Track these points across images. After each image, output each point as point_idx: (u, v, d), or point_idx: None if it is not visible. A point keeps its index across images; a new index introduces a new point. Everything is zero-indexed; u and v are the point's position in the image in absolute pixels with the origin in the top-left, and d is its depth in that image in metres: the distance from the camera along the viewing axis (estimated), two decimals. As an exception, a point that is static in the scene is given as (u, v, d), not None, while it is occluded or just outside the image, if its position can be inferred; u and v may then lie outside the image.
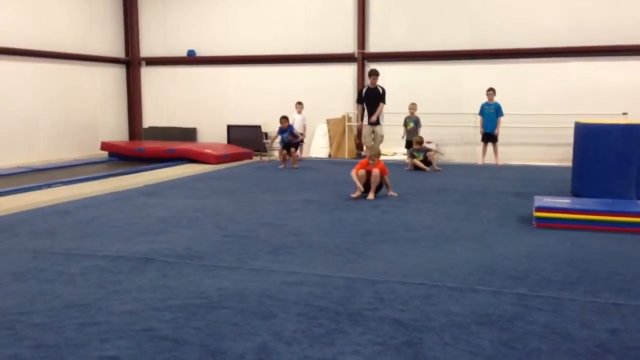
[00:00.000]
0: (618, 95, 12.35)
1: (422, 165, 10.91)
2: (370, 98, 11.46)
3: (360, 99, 11.76)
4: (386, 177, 7.98)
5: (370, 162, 7.80)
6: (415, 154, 11.10)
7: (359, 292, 4.00)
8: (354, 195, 7.77)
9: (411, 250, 5.18)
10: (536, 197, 6.64)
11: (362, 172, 7.81)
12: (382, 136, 11.58)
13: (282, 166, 11.37)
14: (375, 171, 7.76)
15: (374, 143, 11.29)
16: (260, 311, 3.63)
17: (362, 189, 7.76)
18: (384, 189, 8.06)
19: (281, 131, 11.55)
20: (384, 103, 11.44)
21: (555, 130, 12.50)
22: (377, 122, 11.46)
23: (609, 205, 6.35)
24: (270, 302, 3.81)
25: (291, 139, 11.52)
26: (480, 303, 3.80)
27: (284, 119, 11.63)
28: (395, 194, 7.96)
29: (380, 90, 11.43)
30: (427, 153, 11.08)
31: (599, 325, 3.44)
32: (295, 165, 11.28)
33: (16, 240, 5.58)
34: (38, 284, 4.24)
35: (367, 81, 11.88)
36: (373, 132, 11.51)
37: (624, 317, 3.57)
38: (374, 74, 11.46)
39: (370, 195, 7.77)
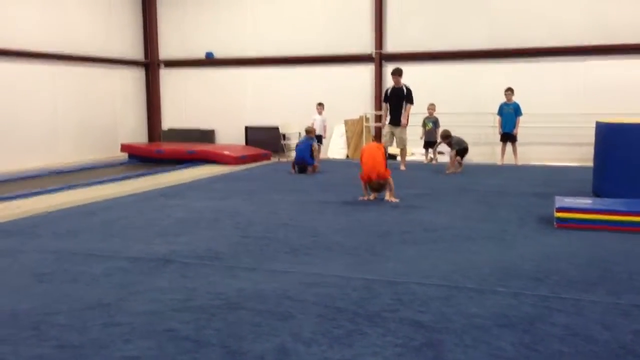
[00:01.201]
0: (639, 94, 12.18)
1: (458, 159, 10.42)
2: (393, 98, 10.97)
3: (385, 98, 11.18)
4: (390, 180, 7.70)
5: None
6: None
7: (378, 293, 3.99)
8: (370, 198, 7.74)
9: (430, 251, 5.16)
10: (557, 198, 6.57)
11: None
12: (403, 139, 11.02)
13: (292, 171, 10.80)
14: (386, 177, 7.61)
15: (395, 144, 11.07)
16: (279, 312, 3.65)
17: (370, 194, 7.72)
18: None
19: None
20: (411, 104, 10.88)
21: (575, 129, 12.37)
22: (399, 122, 10.94)
23: (631, 205, 6.26)
24: (289, 303, 3.82)
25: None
26: (501, 304, 3.77)
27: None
28: (396, 200, 7.64)
29: (405, 90, 10.88)
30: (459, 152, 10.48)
31: (622, 327, 3.40)
32: (317, 170, 10.77)
33: (39, 242, 5.67)
34: (61, 284, 4.30)
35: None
36: (393, 133, 11.02)
37: (647, 319, 3.53)
38: (396, 73, 10.95)
39: (387, 196, 7.71)
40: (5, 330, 3.41)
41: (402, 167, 10.99)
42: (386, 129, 11.18)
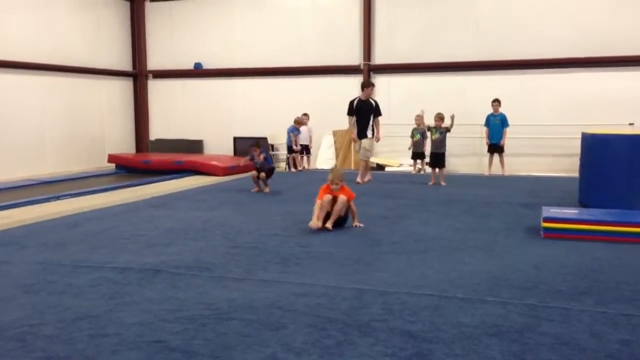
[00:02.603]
0: (624, 105, 12.33)
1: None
2: (362, 111, 10.58)
3: (350, 111, 10.72)
4: (352, 203, 6.73)
5: (333, 186, 6.62)
6: (432, 130, 10.48)
7: (368, 303, 4.00)
8: (311, 225, 6.45)
9: (419, 261, 5.17)
10: (544, 208, 6.63)
11: (327, 197, 6.56)
12: (364, 148, 10.60)
13: (254, 189, 9.72)
14: (342, 198, 6.55)
15: (360, 153, 10.78)
16: (269, 322, 3.64)
17: (319, 224, 6.45)
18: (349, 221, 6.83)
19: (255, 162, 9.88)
20: (380, 115, 10.70)
21: (562, 140, 12.49)
22: (365, 135, 10.57)
23: (617, 215, 6.34)
24: (280, 313, 3.81)
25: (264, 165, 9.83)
26: (490, 314, 3.79)
27: (255, 147, 9.92)
28: (361, 225, 6.69)
29: (373, 103, 10.61)
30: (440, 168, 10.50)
31: (610, 335, 3.43)
32: (267, 190, 9.61)
33: (26, 253, 5.61)
34: (48, 295, 4.25)
35: (360, 93, 10.86)
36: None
37: (634, 328, 3.56)
38: (369, 85, 10.84)
39: (328, 224, 6.47)
40: (-8, 341, 3.38)
41: (358, 179, 10.58)
42: (358, 145, 10.78)
